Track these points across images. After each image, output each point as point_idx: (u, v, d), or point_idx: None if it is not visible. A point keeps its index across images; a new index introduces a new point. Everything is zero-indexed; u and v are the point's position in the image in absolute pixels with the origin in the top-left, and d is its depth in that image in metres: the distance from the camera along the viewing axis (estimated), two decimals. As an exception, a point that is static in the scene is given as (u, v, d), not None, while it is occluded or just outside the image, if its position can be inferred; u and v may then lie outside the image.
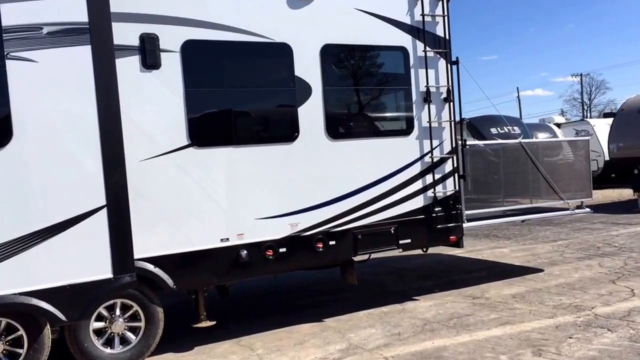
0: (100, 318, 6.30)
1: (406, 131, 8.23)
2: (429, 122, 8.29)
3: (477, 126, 21.16)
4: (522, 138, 13.34)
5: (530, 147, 10.44)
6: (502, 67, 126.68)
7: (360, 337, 6.98)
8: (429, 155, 8.32)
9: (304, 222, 7.38)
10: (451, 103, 8.52)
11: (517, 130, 19.54)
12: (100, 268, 5.56)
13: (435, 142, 8.37)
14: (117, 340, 6.36)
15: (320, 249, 7.46)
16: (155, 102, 6.52)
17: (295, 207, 7.34)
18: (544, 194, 10.47)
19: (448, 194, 8.49)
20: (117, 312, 6.37)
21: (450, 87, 8.52)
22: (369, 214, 7.86)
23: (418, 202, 8.26)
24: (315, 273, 9.30)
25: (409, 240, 8.18)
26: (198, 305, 7.03)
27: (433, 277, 10.04)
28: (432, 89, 8.35)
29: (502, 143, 11.41)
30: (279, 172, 7.24)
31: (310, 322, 7.67)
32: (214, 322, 7.07)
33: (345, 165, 7.70)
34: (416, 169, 8.24)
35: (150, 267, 6.44)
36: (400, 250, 8.18)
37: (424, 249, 9.14)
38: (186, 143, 6.67)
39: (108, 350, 6.28)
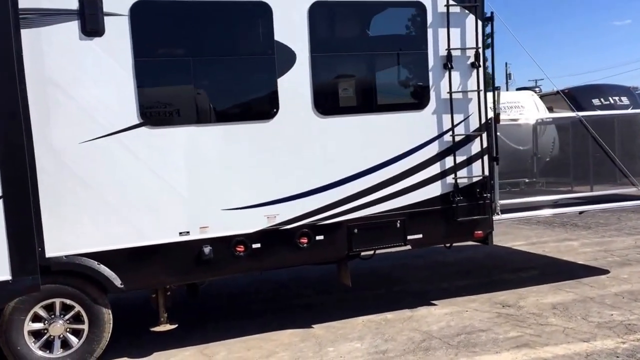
0: (38, 319, 5.60)
1: (420, 104, 6.80)
2: (450, 93, 6.78)
3: (577, 96, 18.61)
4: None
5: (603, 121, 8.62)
6: (637, 32, 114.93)
7: (339, 353, 5.80)
8: (449, 133, 6.84)
9: (284, 213, 6.25)
10: (480, 69, 6.93)
11: (624, 101, 17.04)
12: None
13: (458, 117, 6.86)
14: (57, 343, 5.64)
15: (305, 245, 6.31)
16: (98, 75, 5.62)
17: (274, 196, 6.22)
18: (613, 179, 8.62)
19: (474, 180, 6.97)
20: (57, 312, 5.64)
21: (480, 50, 6.93)
22: (369, 204, 6.58)
23: (433, 190, 6.84)
24: (323, 266, 8.14)
25: (419, 236, 6.81)
26: (158, 305, 6.16)
27: (471, 276, 8.55)
28: (455, 53, 6.82)
29: (562, 117, 9.55)
30: (253, 155, 6.14)
31: (296, 327, 6.59)
32: (175, 326, 6.20)
33: (338, 146, 6.44)
34: (432, 150, 6.81)
35: (92, 263, 5.63)
36: (409, 247, 6.82)
37: (447, 245, 7.69)
38: (137, 122, 5.73)
39: (45, 355, 5.58)
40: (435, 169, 6.83)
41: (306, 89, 6.27)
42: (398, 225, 6.69)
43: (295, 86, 6.23)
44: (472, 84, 6.93)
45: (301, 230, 6.30)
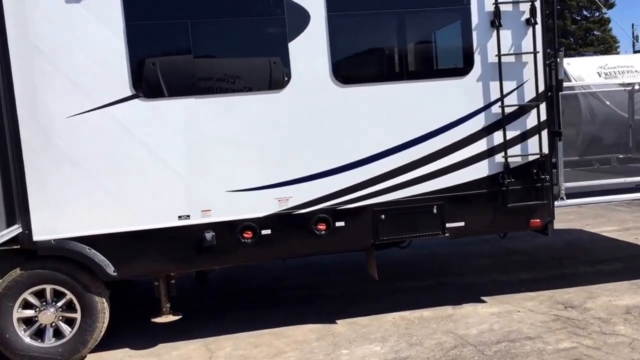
0: (29, 306, 5.15)
1: (461, 70, 5.70)
2: (499, 56, 5.63)
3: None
4: None
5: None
6: None
7: (351, 358, 4.93)
8: (498, 103, 5.70)
9: (298, 196, 5.42)
10: (537, 27, 5.72)
11: None
12: None
13: (509, 85, 5.70)
14: (49, 332, 5.17)
15: (323, 232, 5.46)
16: (86, 42, 5.01)
17: (286, 177, 5.40)
18: None
19: (529, 159, 5.80)
20: (49, 299, 5.16)
21: (537, 3, 5.70)
22: (399, 186, 5.61)
23: (478, 171, 5.74)
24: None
25: (461, 224, 5.75)
26: (160, 294, 5.55)
27: (539, 267, 7.32)
28: (505, 8, 5.65)
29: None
30: (262, 130, 5.34)
31: (318, 321, 5.78)
32: (179, 317, 5.57)
33: (362, 119, 5.50)
34: (476, 123, 5.70)
35: (82, 248, 5.09)
36: (447, 235, 5.78)
37: (501, 234, 6.55)
38: (129, 93, 5.09)
39: (35, 343, 5.12)
40: (480, 146, 5.72)
41: (322, 54, 5.36)
42: (434, 211, 5.67)
43: (309, 51, 5.35)
44: (526, 45, 5.72)
45: (318, 215, 5.45)
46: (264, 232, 5.37)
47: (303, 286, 7.03)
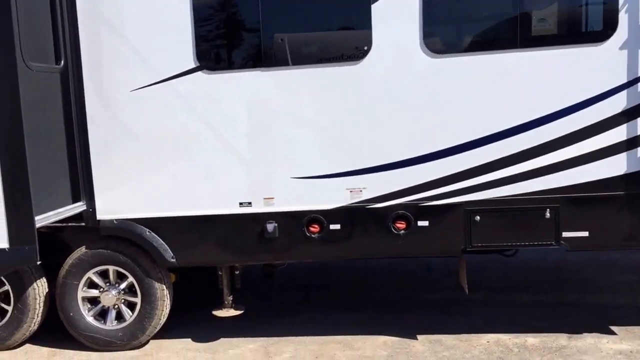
0: (94, 286, 5.00)
1: (598, 35, 4.34)
2: (652, 15, 4.18)
3: None
4: None
5: None
6: None
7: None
8: (648, 79, 4.26)
9: (373, 187, 4.57)
10: None
11: None
12: None
13: (666, 55, 4.23)
14: (111, 314, 4.98)
15: (402, 232, 4.56)
16: (151, 12, 4.61)
17: (360, 164, 4.57)
18: None
19: (690, 154, 4.29)
20: (112, 281, 4.96)
21: None
22: (502, 181, 4.48)
23: (612, 167, 4.39)
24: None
25: (583, 234, 4.46)
26: (222, 286, 5.07)
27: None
28: (666, -51, 4.15)
29: None
30: (334, 108, 4.55)
31: (396, 334, 4.90)
32: (240, 312, 5.05)
33: (458, 97, 4.45)
34: (614, 104, 4.34)
35: (142, 231, 4.78)
36: (563, 247, 4.51)
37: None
38: (192, 66, 4.61)
39: (98, 324, 4.96)
40: (617, 135, 4.35)
41: (411, 17, 4.38)
42: (547, 215, 4.45)
43: (395, 13, 4.40)
44: (695, -1, 4.17)
45: (397, 211, 4.56)
46: (332, 226, 4.62)
47: (390, 287, 6.13)
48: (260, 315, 5.47)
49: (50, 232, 5.01)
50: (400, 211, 4.55)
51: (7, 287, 4.93)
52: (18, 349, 5.02)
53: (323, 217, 4.61)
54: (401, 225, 4.56)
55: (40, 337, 5.12)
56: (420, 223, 4.55)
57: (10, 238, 3.93)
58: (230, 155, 4.64)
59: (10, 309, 4.94)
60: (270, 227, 4.63)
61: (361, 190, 4.57)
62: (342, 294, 6.02)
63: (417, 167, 4.50)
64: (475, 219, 4.49)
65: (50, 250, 5.03)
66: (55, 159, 4.57)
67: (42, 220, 4.27)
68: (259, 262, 5.00)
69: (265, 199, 4.66)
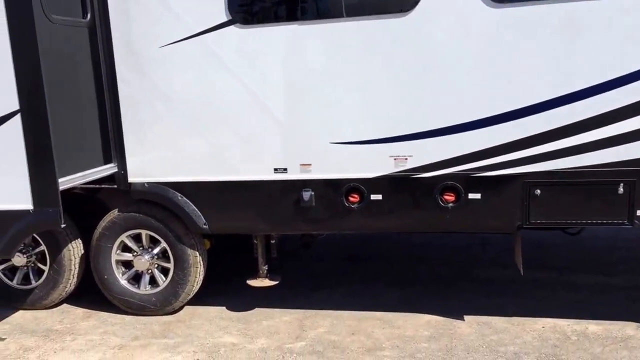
0: (128, 249, 4.85)
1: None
2: None
3: None
4: None
5: None
6: None
7: (458, 381, 3.65)
8: None
9: (420, 154, 4.11)
10: None
11: None
12: (16, 197, 3.95)
13: None
14: (145, 278, 4.83)
15: (450, 205, 4.12)
16: (180, -41, 4.24)
17: (406, 129, 4.11)
18: None
19: None
20: (145, 245, 4.80)
21: None
22: (567, 151, 3.92)
23: (703, 137, 3.74)
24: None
25: (664, 214, 3.87)
26: (257, 254, 4.81)
27: None
28: None
29: None
30: (379, 66, 4.08)
31: (439, 314, 4.52)
32: (275, 282, 4.77)
33: (522, 53, 3.87)
34: None
35: (174, 195, 4.54)
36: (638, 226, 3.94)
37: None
38: (225, 19, 4.22)
39: (131, 288, 4.83)
40: None
41: (469, -39, 3.81)
42: (621, 190, 3.88)
43: (450, -43, 3.84)
44: None
45: (445, 182, 4.10)
46: (373, 197, 4.23)
47: (440, 261, 5.70)
48: (296, 286, 5.20)
49: (86, 194, 4.87)
50: (449, 182, 4.09)
51: (43, 247, 4.86)
52: (55, 309, 4.99)
53: (363, 186, 4.22)
54: (450, 197, 4.11)
55: (77, 298, 5.05)
56: (471, 195, 4.08)
57: (34, 200, 3.76)
58: (265, 117, 4.28)
59: (46, 269, 4.88)
60: (306, 195, 4.29)
61: (406, 158, 4.13)
62: (386, 267, 5.66)
63: (471, 133, 4.00)
64: (535, 192, 3.98)
65: (86, 212, 4.94)
66: (84, 118, 4.35)
67: (68, 182, 4.08)
68: (294, 232, 4.68)
69: (301, 165, 4.30)
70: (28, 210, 3.81)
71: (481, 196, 4.07)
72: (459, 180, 4.08)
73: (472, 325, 4.32)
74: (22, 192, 3.77)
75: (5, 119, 3.71)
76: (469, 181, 4.07)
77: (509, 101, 3.91)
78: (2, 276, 5.01)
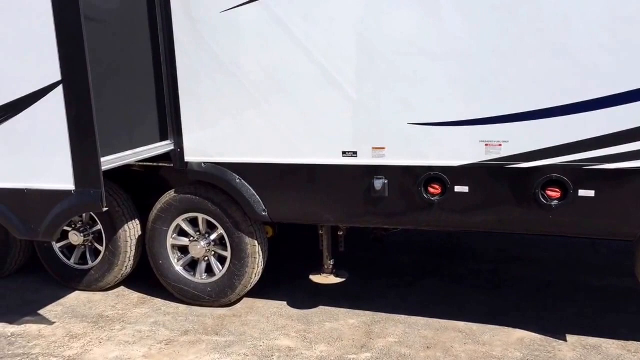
0: (185, 234, 4.47)
1: None
2: None
3: None
4: None
5: None
6: None
7: None
8: None
9: (518, 140, 3.38)
10: None
11: None
12: (60, 175, 3.58)
13: None
14: (202, 266, 4.42)
15: (554, 202, 3.36)
16: None
17: (503, 109, 3.38)
18: None
19: None
20: (202, 231, 4.39)
21: None
22: None
23: None
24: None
25: None
26: (322, 247, 4.26)
27: None
28: None
29: None
30: (471, 30, 3.37)
31: (537, 331, 3.79)
32: (342, 280, 4.21)
33: (657, 16, 3.03)
34: None
35: (232, 178, 4.08)
36: None
37: None
38: (292, -22, 3.67)
39: (187, 275, 4.45)
40: None
41: None
42: None
43: None
44: None
45: (549, 174, 3.35)
46: (458, 188, 3.55)
47: (543, 263, 4.90)
48: (367, 283, 4.63)
49: (145, 172, 4.54)
50: (554, 175, 3.34)
51: (100, 226, 4.59)
52: (110, 292, 4.73)
53: (447, 175, 3.55)
54: (554, 193, 3.36)
55: (135, 281, 4.77)
56: (582, 192, 3.31)
57: (76, 180, 3.41)
58: (334, 92, 3.69)
59: (103, 249, 4.62)
60: (378, 183, 3.68)
61: (501, 144, 3.41)
62: (475, 267, 4.94)
63: (585, 115, 3.22)
64: (668, 192, 3.14)
65: (145, 191, 4.62)
66: (138, 91, 3.96)
67: (117, 160, 3.71)
68: (362, 225, 4.08)
69: (374, 148, 3.68)
70: (70, 191, 3.46)
71: (595, 194, 3.29)
72: (566, 173, 3.31)
73: (576, 348, 3.56)
74: (65, 171, 3.42)
75: (48, 91, 3.36)
76: (581, 175, 3.29)
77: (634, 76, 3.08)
78: (60, 254, 4.79)
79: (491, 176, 3.46)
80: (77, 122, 3.35)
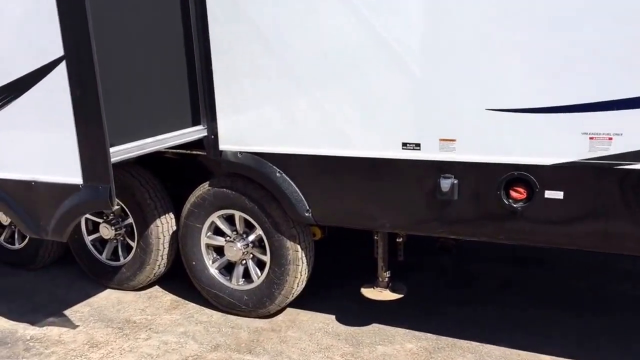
0: (220, 233, 3.92)
1: None
2: None
3: None
4: None
5: None
6: None
7: None
8: None
9: (635, 133, 2.55)
10: None
11: None
12: (67, 167, 3.05)
13: None
14: (238, 270, 3.86)
15: (683, 217, 2.51)
16: None
17: (612, 93, 2.55)
18: None
19: None
20: (239, 230, 3.81)
21: None
22: None
23: None
24: None
25: None
26: (378, 256, 3.57)
27: None
28: None
29: None
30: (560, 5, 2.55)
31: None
32: (399, 296, 3.51)
33: None
34: None
35: (272, 171, 3.47)
36: None
37: None
38: None
39: (222, 280, 3.90)
40: None
41: None
42: None
43: None
44: None
45: (678, 179, 2.50)
46: (549, 194, 2.76)
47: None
48: (431, 299, 3.92)
49: (179, 159, 4.03)
50: (684, 180, 2.48)
51: (131, 220, 4.13)
52: (143, 292, 4.28)
53: (535, 176, 2.77)
54: (683, 205, 2.50)
55: (171, 280, 4.30)
56: None
57: (84, 173, 2.91)
58: (395, 71, 2.97)
59: (134, 245, 4.16)
60: (445, 183, 2.95)
61: (611, 138, 2.59)
62: (562, 279, 4.11)
63: None
64: None
65: (181, 182, 4.12)
66: (164, 69, 3.40)
67: (136, 148, 3.18)
68: (424, 234, 3.33)
69: (442, 140, 2.94)
70: (78, 185, 2.96)
71: None
72: (703, 179, 2.44)
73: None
74: (72, 162, 2.93)
75: (49, 69, 2.84)
76: None
77: None
78: (92, 248, 4.39)
79: (596, 179, 2.66)
80: (82, 105, 2.81)
